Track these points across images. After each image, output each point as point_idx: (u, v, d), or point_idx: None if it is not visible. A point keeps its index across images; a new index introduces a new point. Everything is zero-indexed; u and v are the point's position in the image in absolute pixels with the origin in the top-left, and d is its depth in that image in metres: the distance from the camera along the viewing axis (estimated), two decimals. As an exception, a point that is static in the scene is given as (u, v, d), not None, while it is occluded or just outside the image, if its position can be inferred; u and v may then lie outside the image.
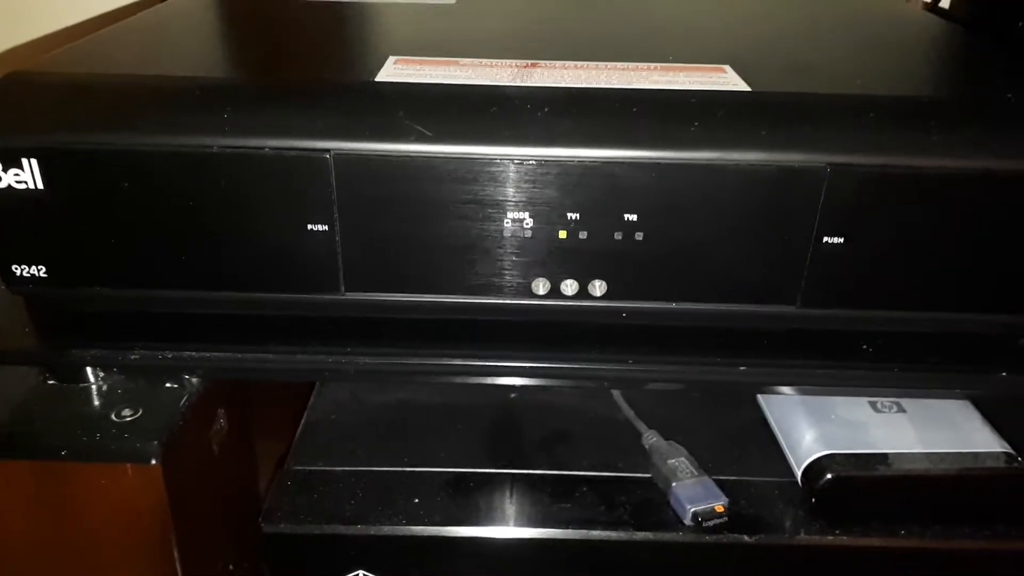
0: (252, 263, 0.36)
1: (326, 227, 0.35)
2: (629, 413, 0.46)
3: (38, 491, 0.37)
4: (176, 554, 0.38)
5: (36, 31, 0.78)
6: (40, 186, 0.34)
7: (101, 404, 0.38)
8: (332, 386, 0.49)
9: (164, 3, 0.54)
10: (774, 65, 0.42)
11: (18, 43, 0.78)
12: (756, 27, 0.52)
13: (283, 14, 0.51)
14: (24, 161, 0.34)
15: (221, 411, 0.42)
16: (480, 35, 0.47)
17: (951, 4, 0.73)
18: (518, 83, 0.37)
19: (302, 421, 0.47)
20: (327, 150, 0.34)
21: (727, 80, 0.38)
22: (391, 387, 0.49)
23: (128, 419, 0.37)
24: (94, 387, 0.39)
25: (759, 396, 0.47)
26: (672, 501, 0.41)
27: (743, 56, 0.42)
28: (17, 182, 0.34)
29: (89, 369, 0.39)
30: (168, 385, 0.39)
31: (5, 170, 0.34)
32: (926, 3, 0.72)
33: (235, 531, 0.45)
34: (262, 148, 0.34)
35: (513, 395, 0.48)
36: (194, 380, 0.39)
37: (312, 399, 0.48)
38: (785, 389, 0.40)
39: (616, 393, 0.47)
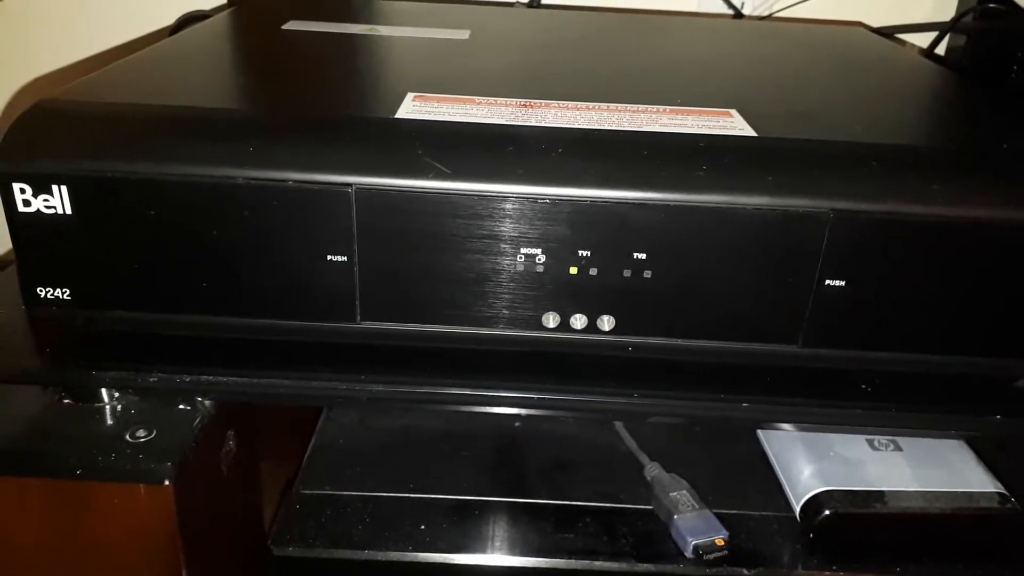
0: (271, 291, 0.37)
1: (345, 258, 0.36)
2: (632, 445, 0.47)
3: (51, 509, 0.38)
4: (184, 573, 0.39)
5: (56, 63, 0.79)
6: (68, 211, 0.35)
7: (115, 424, 0.39)
8: (339, 412, 0.50)
9: (183, 33, 0.55)
10: (778, 110, 0.43)
11: (40, 74, 0.80)
12: (759, 71, 0.54)
13: (304, 46, 0.52)
14: (54, 187, 0.35)
15: (230, 433, 0.43)
16: (494, 72, 0.49)
17: (947, 50, 0.75)
18: (532, 123, 0.38)
19: (310, 445, 0.47)
20: (349, 184, 0.35)
21: (734, 124, 0.39)
22: (397, 414, 0.50)
23: (142, 440, 0.38)
24: (108, 407, 0.40)
25: (759, 431, 0.48)
26: (673, 533, 0.41)
27: (748, 100, 0.43)
28: (46, 207, 0.35)
29: (104, 389, 0.40)
30: (181, 407, 0.40)
31: (35, 195, 0.35)
32: (922, 50, 0.74)
33: (240, 553, 0.46)
34: (286, 181, 0.35)
35: (517, 424, 0.49)
36: (206, 402, 0.40)
37: (320, 424, 0.49)
38: (785, 426, 0.41)
39: (619, 425, 0.48)
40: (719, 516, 0.42)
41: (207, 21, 0.58)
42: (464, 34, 0.57)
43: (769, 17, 0.77)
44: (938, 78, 0.54)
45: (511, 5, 0.74)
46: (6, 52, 0.79)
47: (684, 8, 0.77)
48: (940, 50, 0.75)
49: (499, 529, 0.42)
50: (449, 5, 0.69)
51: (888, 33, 0.71)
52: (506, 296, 0.37)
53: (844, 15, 0.77)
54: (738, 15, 0.76)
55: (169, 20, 0.71)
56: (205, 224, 0.36)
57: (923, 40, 0.75)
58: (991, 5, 0.68)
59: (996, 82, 0.64)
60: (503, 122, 0.38)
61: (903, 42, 0.76)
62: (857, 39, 0.64)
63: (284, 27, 0.56)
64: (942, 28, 0.72)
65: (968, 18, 0.71)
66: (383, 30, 0.57)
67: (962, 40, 0.73)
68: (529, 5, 0.75)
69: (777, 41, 0.62)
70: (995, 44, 0.68)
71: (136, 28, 0.77)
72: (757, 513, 0.43)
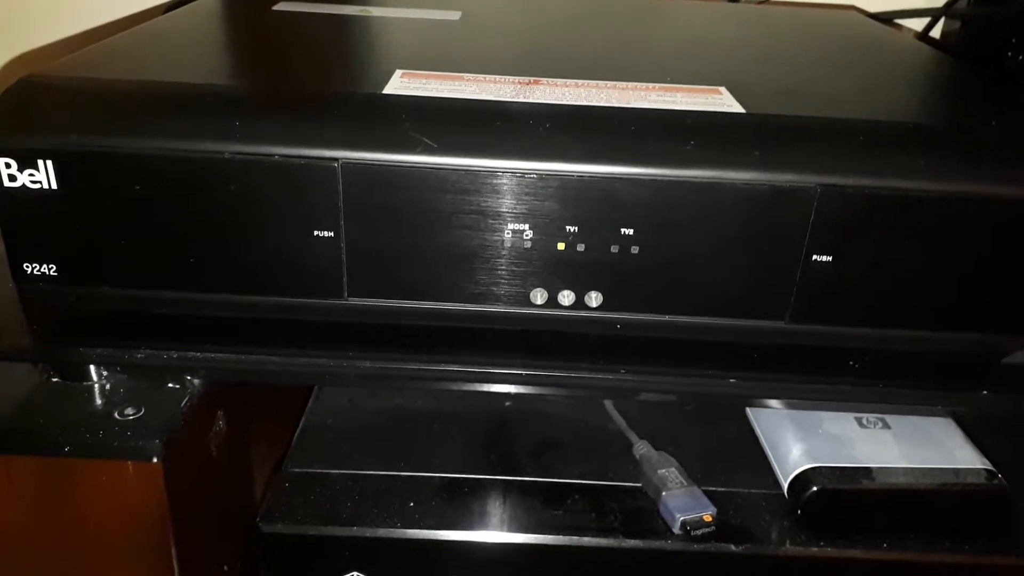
0: (258, 267, 0.37)
1: (332, 234, 0.36)
2: (621, 423, 0.47)
3: (40, 487, 0.38)
4: (173, 552, 0.39)
5: (44, 38, 0.79)
6: (54, 186, 0.35)
7: (104, 402, 0.39)
8: (330, 391, 0.50)
9: (174, 12, 0.55)
10: (768, 88, 0.43)
11: (27, 49, 0.79)
12: (751, 51, 0.53)
13: (294, 26, 0.52)
14: (40, 162, 0.35)
15: (220, 413, 0.43)
16: (484, 51, 0.49)
17: (942, 34, 0.75)
18: (521, 99, 0.38)
19: (300, 424, 0.47)
20: (335, 159, 0.35)
21: (723, 101, 0.39)
22: (387, 393, 0.50)
23: (131, 417, 0.38)
24: (97, 385, 0.40)
25: (748, 409, 0.48)
26: (661, 510, 0.41)
27: (738, 79, 0.43)
28: (32, 182, 0.35)
29: (93, 368, 0.40)
30: (170, 386, 0.40)
31: (21, 170, 0.35)
32: (918, 32, 0.74)
33: (230, 533, 0.46)
34: (272, 155, 0.35)
35: (508, 403, 0.49)
36: (195, 381, 0.40)
37: (310, 403, 0.49)
38: (773, 402, 0.42)
39: (608, 403, 0.48)
40: (707, 493, 0.42)
41: (200, 0, 0.58)
42: (455, 15, 0.56)
43: (765, 2, 0.76)
44: (930, 59, 0.54)
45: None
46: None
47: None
48: (935, 35, 0.74)
49: (488, 506, 0.42)
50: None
51: (883, 18, 0.71)
52: (494, 272, 0.37)
53: (838, 0, 0.77)
54: (733, -1, 0.76)
55: None
56: (191, 199, 0.36)
57: (918, 26, 0.75)
58: (985, -11, 0.68)
59: (989, 66, 0.64)
60: (491, 98, 0.38)
61: (898, 27, 0.75)
62: (851, 22, 0.64)
63: (275, 7, 0.56)
64: (936, 13, 0.72)
65: (962, 3, 0.71)
66: (374, 11, 0.57)
67: (956, 25, 0.73)
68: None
69: (771, 23, 0.62)
70: (988, 29, 0.68)
71: (129, 6, 0.77)
72: (745, 490, 0.43)
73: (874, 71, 0.50)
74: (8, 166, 0.35)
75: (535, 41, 0.52)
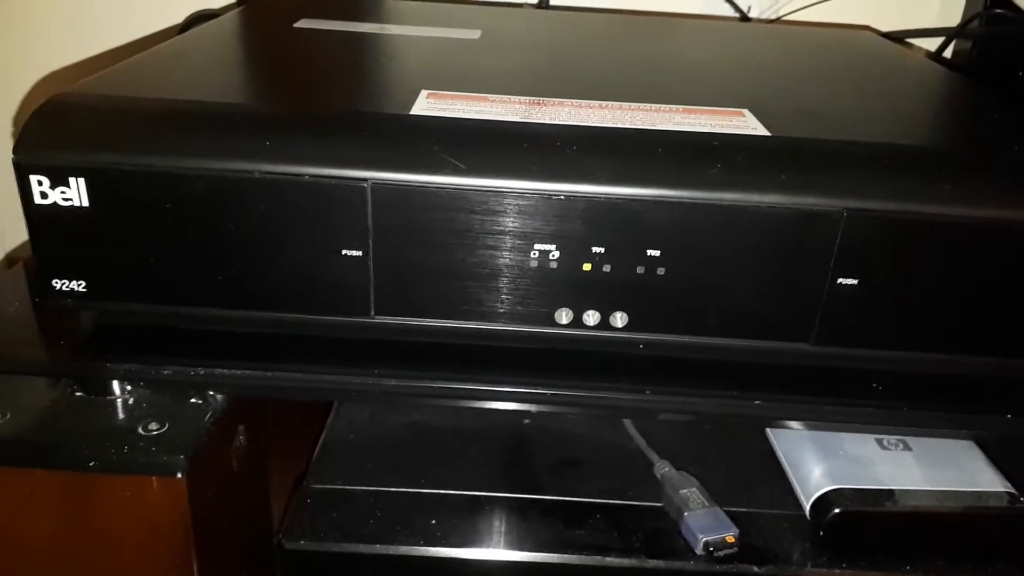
0: (286, 285, 0.37)
1: (360, 253, 0.36)
2: (641, 443, 0.47)
3: (64, 500, 0.38)
4: (195, 567, 0.39)
5: (68, 58, 0.80)
6: (85, 204, 0.36)
7: (128, 417, 0.39)
8: (350, 407, 0.50)
9: (197, 29, 0.55)
10: (790, 110, 0.43)
11: (53, 70, 0.80)
12: (769, 72, 0.54)
13: (317, 44, 0.53)
14: (72, 179, 0.35)
15: (241, 428, 0.43)
16: (506, 71, 0.49)
17: (953, 53, 0.75)
18: (547, 120, 0.38)
19: (320, 440, 0.47)
20: (365, 179, 0.35)
21: (746, 124, 0.40)
22: (408, 409, 0.50)
23: (155, 433, 0.38)
24: (120, 400, 0.40)
25: (768, 430, 0.48)
26: (683, 530, 0.41)
27: (760, 100, 0.43)
28: (63, 199, 0.35)
29: (116, 382, 0.40)
30: (193, 401, 0.40)
31: (53, 187, 0.35)
32: (929, 53, 0.75)
33: (249, 548, 0.46)
34: (302, 175, 0.35)
35: (526, 421, 0.49)
36: (218, 396, 0.40)
37: (330, 419, 0.49)
38: (796, 424, 0.42)
39: (628, 423, 0.48)
40: (729, 514, 0.42)
41: (219, 19, 0.59)
42: (475, 34, 0.57)
43: (776, 20, 0.77)
44: (947, 81, 0.54)
45: (519, 6, 0.75)
46: (22, 48, 0.79)
47: (691, 11, 0.78)
48: (946, 55, 0.75)
49: (509, 525, 0.42)
50: (458, 5, 0.69)
51: (895, 37, 0.72)
52: (519, 292, 0.37)
53: (850, 19, 0.78)
54: (744, 18, 0.77)
55: (179, 18, 0.71)
56: (221, 218, 0.36)
57: (930, 45, 0.75)
58: (997, 11, 0.68)
59: (1003, 85, 0.65)
60: (517, 119, 0.38)
61: (911, 46, 0.76)
62: (866, 42, 0.65)
63: (296, 25, 0.56)
64: (949, 33, 0.73)
65: (974, 23, 0.71)
66: (394, 29, 0.57)
67: (968, 45, 0.73)
68: (538, 6, 0.76)
69: (787, 43, 0.63)
70: (1001, 49, 0.68)
71: (145, 26, 0.78)
72: (767, 511, 0.43)
73: (893, 93, 0.50)
74: (40, 183, 0.35)
75: (556, 61, 0.53)
